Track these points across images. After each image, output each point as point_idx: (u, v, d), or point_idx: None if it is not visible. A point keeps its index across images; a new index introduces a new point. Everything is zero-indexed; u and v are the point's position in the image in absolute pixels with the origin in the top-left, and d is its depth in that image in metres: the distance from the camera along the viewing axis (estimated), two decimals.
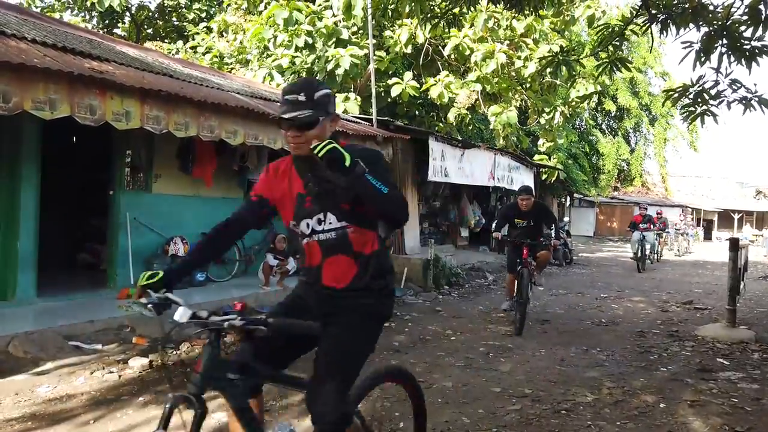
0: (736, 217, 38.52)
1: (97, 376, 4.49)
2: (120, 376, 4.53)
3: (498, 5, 6.73)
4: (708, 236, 38.47)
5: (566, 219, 22.27)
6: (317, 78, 11.76)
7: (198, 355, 5.08)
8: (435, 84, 12.97)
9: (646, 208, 16.06)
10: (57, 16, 16.65)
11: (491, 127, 15.71)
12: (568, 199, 26.36)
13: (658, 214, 18.53)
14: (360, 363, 2.27)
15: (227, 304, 7.02)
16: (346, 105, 12.36)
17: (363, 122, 10.56)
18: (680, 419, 3.96)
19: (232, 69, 14.45)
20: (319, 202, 2.23)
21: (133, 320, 5.90)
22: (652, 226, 15.49)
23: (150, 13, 20.08)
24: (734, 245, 7.01)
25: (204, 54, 15.34)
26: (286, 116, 2.13)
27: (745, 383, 4.84)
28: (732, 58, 5.77)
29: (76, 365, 4.70)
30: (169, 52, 14.99)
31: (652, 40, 7.62)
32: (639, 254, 14.72)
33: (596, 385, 4.72)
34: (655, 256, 17.38)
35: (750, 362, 5.55)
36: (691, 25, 5.82)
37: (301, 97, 2.12)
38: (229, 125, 6.65)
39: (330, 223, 2.22)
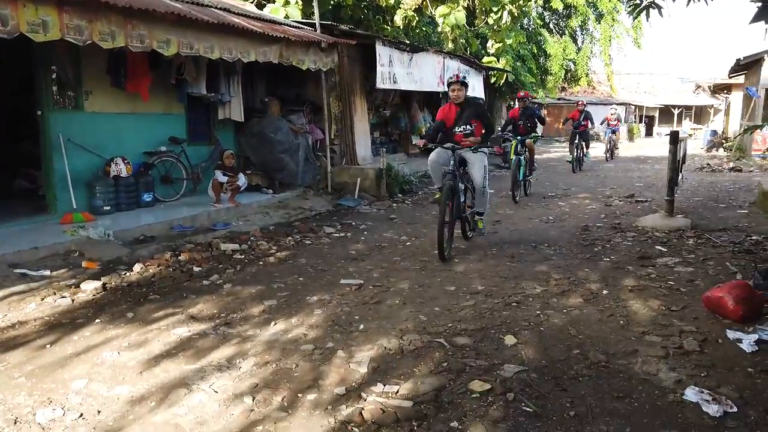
0: (676, 112, 39.74)
1: (49, 302, 4.40)
2: (73, 301, 4.45)
3: None
4: (649, 132, 39.76)
5: None
6: None
7: (152, 275, 5.02)
8: None
9: (584, 104, 15.51)
10: None
11: (439, 29, 15.27)
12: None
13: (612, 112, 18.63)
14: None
15: (178, 223, 6.90)
16: (287, 10, 11.69)
17: (305, 27, 10.06)
18: (621, 303, 4.23)
19: None
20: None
21: (80, 244, 5.74)
22: (590, 123, 15.16)
23: None
24: (674, 139, 7.24)
25: None
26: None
27: (681, 267, 5.18)
28: None
29: (24, 293, 4.57)
30: None
31: None
32: (574, 155, 14.58)
33: (544, 278, 4.95)
34: (609, 154, 17.98)
35: (685, 248, 5.92)
36: None
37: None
38: (160, 34, 6.19)
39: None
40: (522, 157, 9.65)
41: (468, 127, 6.00)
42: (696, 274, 4.95)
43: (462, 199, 5.96)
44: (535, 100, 28.31)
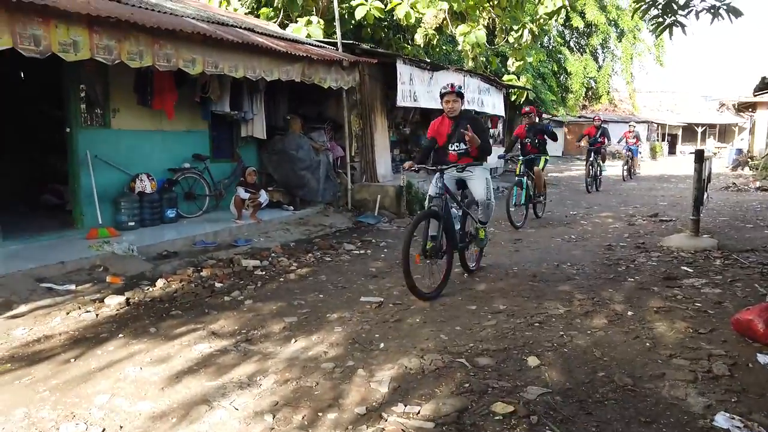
0: (700, 130, 39.24)
1: (74, 316, 4.46)
2: (97, 315, 4.50)
3: None
4: (672, 151, 39.28)
5: None
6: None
7: (174, 291, 5.07)
8: (401, 3, 12.48)
9: (600, 119, 14.80)
10: None
11: (459, 48, 15.36)
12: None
13: (630, 129, 17.99)
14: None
15: (200, 239, 6.97)
16: (309, 29, 11.87)
17: (327, 46, 10.18)
18: (647, 325, 4.14)
19: None
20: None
21: (105, 259, 5.82)
22: (607, 140, 14.40)
23: None
24: (699, 157, 7.14)
25: None
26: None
27: (708, 288, 5.07)
28: None
29: (50, 307, 4.64)
30: None
31: None
32: (589, 174, 13.84)
33: (567, 298, 4.88)
34: (626, 173, 17.28)
35: (712, 269, 5.80)
36: None
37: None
38: (186, 53, 6.32)
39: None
40: (524, 179, 8.82)
41: (462, 145, 5.31)
42: (724, 295, 4.84)
43: (458, 227, 5.30)
44: (556, 118, 28.28)
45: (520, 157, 9.10)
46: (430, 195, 5.05)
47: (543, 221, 9.33)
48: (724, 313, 4.32)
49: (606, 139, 14.41)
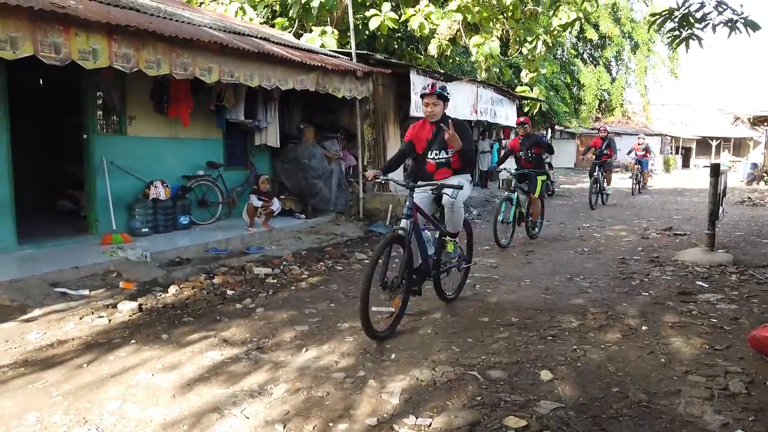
0: (714, 144, 38.92)
1: (87, 321, 4.48)
2: (110, 321, 4.53)
3: None
4: (686, 164, 38.99)
5: None
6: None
7: (187, 297, 5.09)
8: (415, 14, 12.55)
9: (606, 130, 13.82)
10: None
11: (472, 59, 15.40)
12: (550, 131, 26.36)
13: (639, 142, 17.05)
14: None
15: (213, 246, 7.00)
16: (323, 39, 11.95)
17: (341, 56, 10.25)
18: (662, 340, 4.09)
19: (201, 3, 13.80)
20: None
21: (119, 265, 5.86)
22: (614, 153, 13.51)
23: None
24: (715, 171, 7.07)
25: None
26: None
27: (724, 304, 5.00)
28: None
29: (64, 311, 4.68)
30: None
31: None
32: (593, 188, 12.81)
33: (581, 311, 4.84)
34: (637, 186, 16.70)
35: (728, 284, 5.72)
36: None
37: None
38: (203, 62, 6.39)
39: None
40: (515, 195, 7.99)
41: (443, 153, 4.67)
42: (740, 311, 4.77)
43: (431, 253, 4.60)
44: (569, 129, 28.20)
45: (513, 171, 8.30)
46: (396, 215, 4.63)
47: (555, 233, 9.27)
48: (741, 330, 4.26)
49: (613, 152, 13.54)
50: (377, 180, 4.48)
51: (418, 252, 4.46)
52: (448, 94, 4.69)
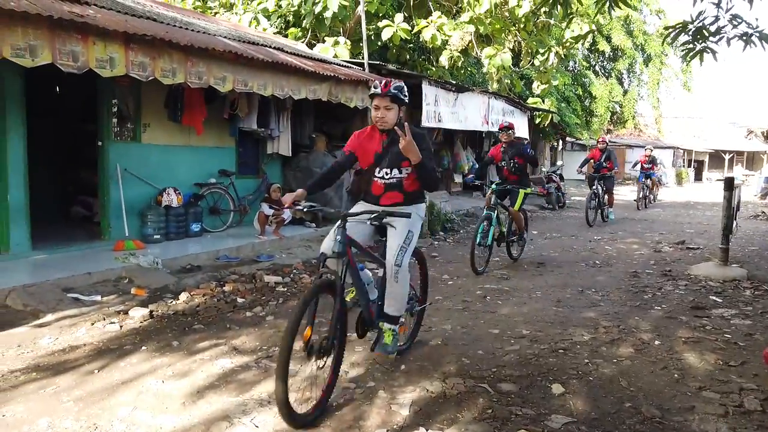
0: (727, 157, 38.63)
1: (99, 327, 4.51)
2: (121, 327, 4.55)
3: None
4: (698, 177, 38.69)
5: (559, 163, 22.22)
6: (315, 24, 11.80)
7: (197, 304, 5.11)
8: (427, 26, 12.61)
9: (605, 141, 12.74)
10: None
11: (484, 70, 15.43)
12: (561, 142, 26.29)
13: (646, 154, 16.09)
14: None
15: (224, 254, 7.03)
16: (336, 49, 12.03)
17: (354, 67, 10.30)
18: (675, 355, 4.04)
19: (216, 13, 13.96)
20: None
21: (131, 271, 5.89)
22: (614, 166, 12.24)
23: None
24: (729, 185, 7.02)
25: None
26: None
27: (738, 319, 4.94)
28: None
29: (76, 317, 4.71)
30: None
31: None
32: (589, 205, 11.65)
33: (592, 324, 4.80)
34: (643, 201, 15.98)
35: (742, 299, 5.65)
36: None
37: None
38: (217, 71, 6.45)
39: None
40: (494, 213, 6.94)
41: (395, 172, 3.57)
42: (754, 327, 4.71)
43: (374, 297, 3.64)
44: (580, 141, 28.09)
45: (493, 187, 7.18)
46: (323, 253, 3.38)
47: (567, 245, 9.22)
48: (755, 346, 4.20)
49: (613, 164, 12.26)
50: (297, 208, 3.38)
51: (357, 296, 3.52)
52: (405, 96, 3.49)
